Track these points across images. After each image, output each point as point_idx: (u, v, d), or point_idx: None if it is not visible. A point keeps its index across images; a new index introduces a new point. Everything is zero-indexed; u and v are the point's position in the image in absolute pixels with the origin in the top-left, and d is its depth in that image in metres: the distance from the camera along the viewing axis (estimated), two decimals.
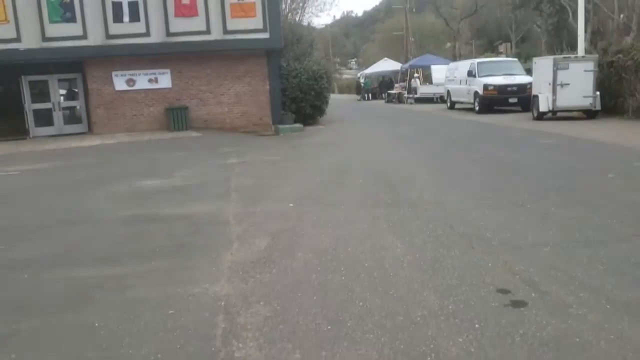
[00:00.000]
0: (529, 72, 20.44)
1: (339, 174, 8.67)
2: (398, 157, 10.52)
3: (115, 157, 12.23)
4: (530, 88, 18.97)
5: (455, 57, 41.96)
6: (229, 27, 17.16)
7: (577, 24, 40.22)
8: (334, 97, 49.85)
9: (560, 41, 41.89)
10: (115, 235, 5.62)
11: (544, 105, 15.71)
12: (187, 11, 16.95)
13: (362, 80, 42.86)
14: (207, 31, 16.96)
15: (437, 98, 29.19)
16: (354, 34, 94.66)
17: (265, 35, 17.31)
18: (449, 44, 58.42)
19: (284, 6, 25.59)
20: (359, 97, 41.49)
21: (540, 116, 15.97)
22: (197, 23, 16.93)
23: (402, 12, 43.75)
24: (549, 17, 48.28)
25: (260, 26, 17.31)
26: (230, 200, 7.05)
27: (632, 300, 3.42)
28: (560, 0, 41.44)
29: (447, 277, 3.94)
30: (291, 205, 6.61)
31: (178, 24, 16.84)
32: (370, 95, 40.55)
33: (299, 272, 4.24)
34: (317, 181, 8.15)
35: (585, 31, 40.71)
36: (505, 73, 19.91)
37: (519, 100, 19.15)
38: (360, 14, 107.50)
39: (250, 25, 17.24)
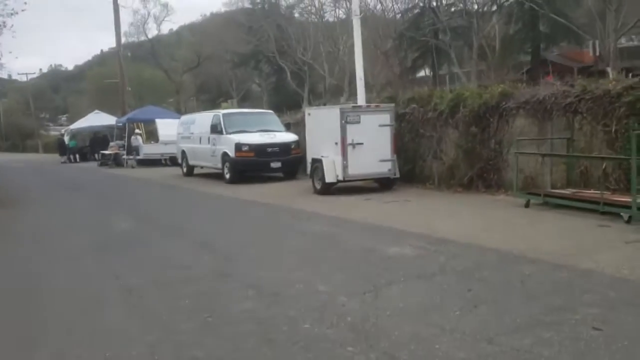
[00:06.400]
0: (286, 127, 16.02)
1: None
2: None
3: None
4: (296, 148, 14.42)
5: (180, 111, 36.70)
6: None
7: (294, 84, 39.34)
8: (32, 158, 39.42)
9: (280, 99, 40.88)
10: None
11: (330, 175, 10.94)
12: None
13: (66, 138, 33.94)
14: None
15: (166, 159, 22.97)
16: (64, 88, 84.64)
17: None
18: (171, 99, 53.38)
19: None
20: (63, 158, 32.54)
21: (326, 189, 11.17)
22: None
23: (116, 59, 36.42)
24: (268, 77, 47.84)
25: None
26: None
27: None
28: (278, 61, 40.47)
29: None
30: None
31: None
32: (78, 156, 32.08)
33: None
34: None
35: (304, 91, 40.69)
36: (262, 129, 14.85)
37: (282, 164, 14.29)
38: (71, 67, 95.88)
39: None
